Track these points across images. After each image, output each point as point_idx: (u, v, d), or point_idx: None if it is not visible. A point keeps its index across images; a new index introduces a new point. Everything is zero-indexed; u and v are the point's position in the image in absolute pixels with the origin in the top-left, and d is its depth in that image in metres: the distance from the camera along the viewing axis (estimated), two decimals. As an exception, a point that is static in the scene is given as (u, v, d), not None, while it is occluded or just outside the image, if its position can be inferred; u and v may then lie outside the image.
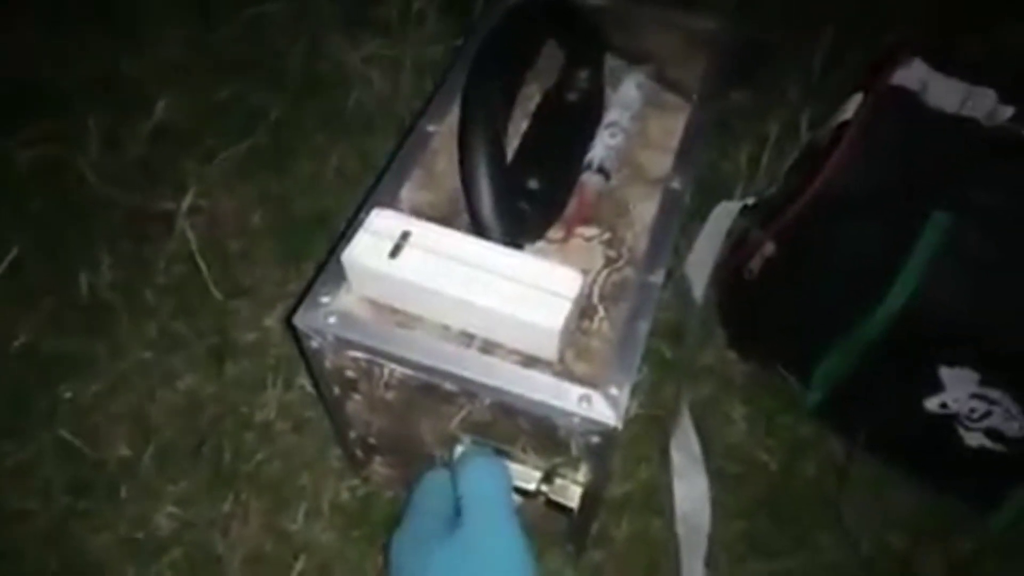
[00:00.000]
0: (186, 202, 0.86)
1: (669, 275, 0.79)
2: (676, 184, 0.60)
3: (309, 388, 0.75)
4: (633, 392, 0.50)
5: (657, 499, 0.71)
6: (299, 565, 0.67)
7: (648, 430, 0.75)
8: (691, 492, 0.71)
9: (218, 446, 0.73)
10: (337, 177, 0.91)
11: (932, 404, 0.66)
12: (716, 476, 0.72)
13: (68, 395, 0.75)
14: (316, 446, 0.73)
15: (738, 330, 0.78)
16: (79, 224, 0.86)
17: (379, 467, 0.68)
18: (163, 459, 0.72)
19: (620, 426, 0.49)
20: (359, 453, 0.66)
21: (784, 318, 0.71)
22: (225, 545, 0.68)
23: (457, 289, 0.49)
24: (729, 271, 0.76)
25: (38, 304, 0.80)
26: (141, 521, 0.69)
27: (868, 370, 0.67)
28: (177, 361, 0.78)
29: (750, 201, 0.79)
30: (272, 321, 0.81)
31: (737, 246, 0.77)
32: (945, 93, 0.63)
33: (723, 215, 0.79)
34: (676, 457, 0.73)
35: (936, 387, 0.65)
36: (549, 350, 0.50)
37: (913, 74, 0.65)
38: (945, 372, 0.64)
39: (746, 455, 0.74)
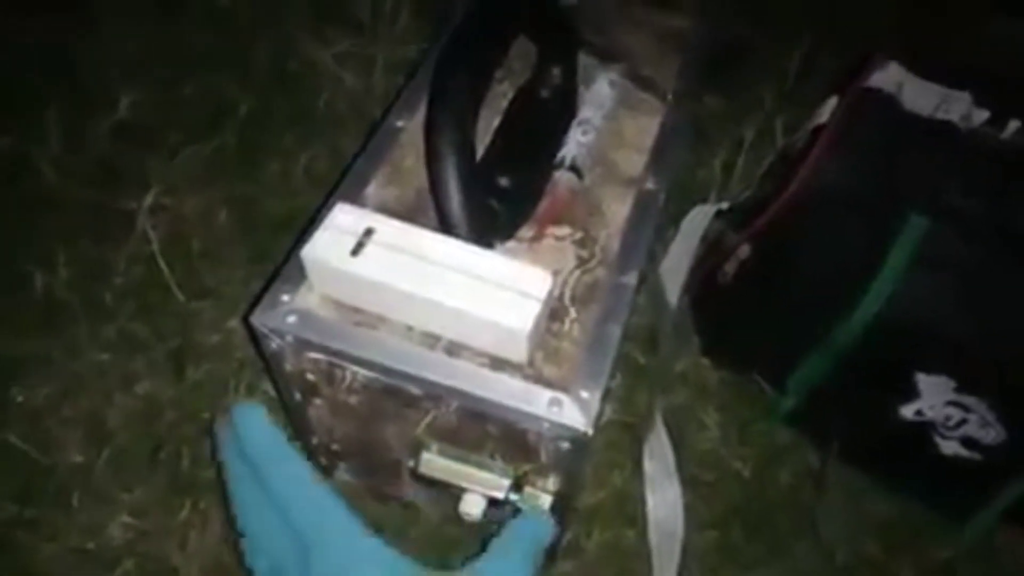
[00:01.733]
0: (148, 200, 0.83)
1: (643, 279, 0.78)
2: (650, 184, 0.58)
3: (273, 393, 0.73)
4: (605, 398, 0.49)
5: (629, 508, 0.69)
6: (258, 576, 0.65)
7: (621, 437, 0.73)
8: (664, 500, 0.69)
9: (176, 452, 0.70)
10: (306, 177, 0.89)
11: (908, 411, 0.65)
12: (689, 484, 0.70)
13: (19, 398, 0.72)
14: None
15: (712, 335, 0.76)
16: (36, 222, 0.83)
17: (344, 475, 0.66)
18: (118, 465, 0.69)
19: (591, 432, 0.47)
20: (323, 460, 0.64)
21: (758, 322, 0.70)
22: (182, 556, 0.65)
23: (421, 288, 0.47)
24: (704, 275, 0.75)
25: (-9, 304, 0.78)
26: (93, 530, 0.66)
27: (843, 377, 0.66)
28: (136, 364, 0.75)
29: (724, 205, 0.78)
30: (236, 323, 0.78)
31: (712, 250, 0.75)
32: (921, 96, 0.63)
33: (698, 219, 0.78)
34: (649, 465, 0.71)
35: (912, 394, 0.64)
36: (518, 352, 0.48)
37: (889, 77, 0.64)
38: (922, 379, 0.63)
39: (720, 463, 0.73)
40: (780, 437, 0.74)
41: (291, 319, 0.50)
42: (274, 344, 0.51)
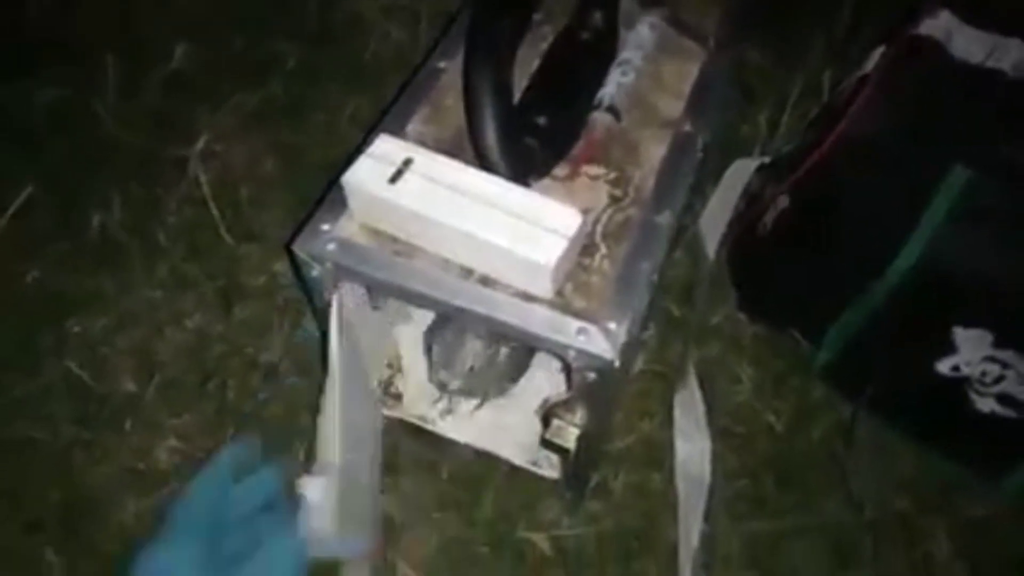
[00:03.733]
0: (199, 147, 0.86)
1: (683, 231, 0.78)
2: (688, 127, 0.58)
3: (315, 332, 0.75)
4: (634, 331, 0.49)
5: (658, 454, 0.70)
6: (297, 500, 0.68)
7: (652, 387, 0.74)
8: (692, 449, 0.70)
9: (222, 384, 0.73)
10: (351, 127, 0.91)
11: (944, 367, 0.64)
12: (721, 435, 0.71)
13: (76, 329, 0.76)
14: (318, 389, 0.73)
15: (749, 288, 0.76)
16: (93, 166, 0.87)
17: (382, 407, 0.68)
18: (167, 394, 0.72)
19: (618, 362, 0.48)
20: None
21: (796, 274, 0.70)
22: (225, 480, 0.69)
23: (453, 219, 0.48)
24: (743, 227, 0.75)
25: (50, 242, 0.81)
26: (143, 453, 0.70)
27: (880, 330, 0.66)
28: (186, 301, 0.78)
29: (767, 159, 0.77)
30: (281, 266, 0.81)
31: (752, 201, 0.75)
32: (971, 43, 0.61)
33: (739, 172, 0.78)
34: (679, 414, 0.72)
35: (949, 348, 0.63)
36: (543, 286, 0.49)
37: (939, 24, 0.63)
38: (959, 333, 0.62)
39: (752, 415, 0.73)
40: (814, 392, 0.74)
41: (331, 246, 0.51)
42: (314, 271, 0.53)
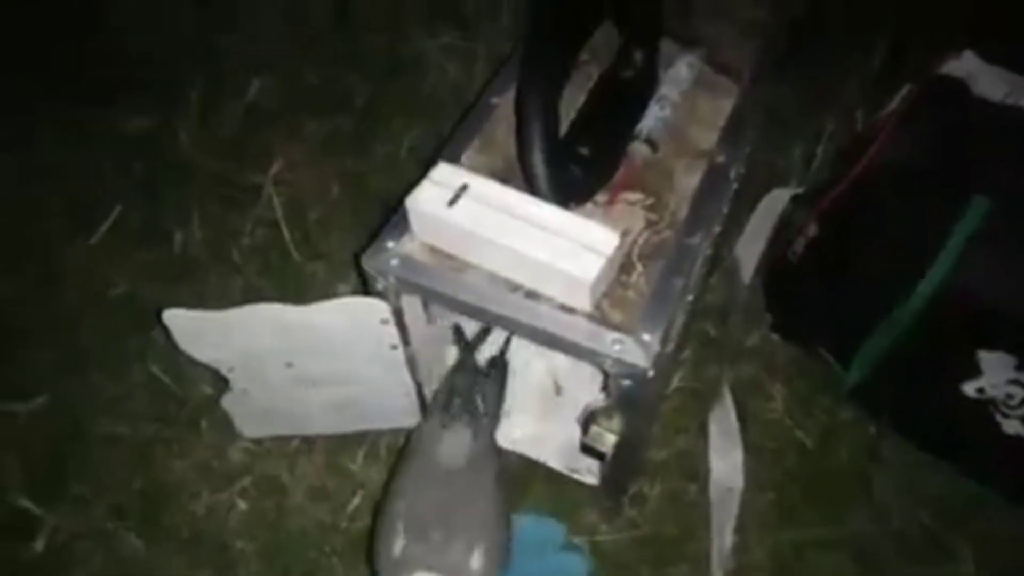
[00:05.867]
0: (272, 173, 0.94)
1: (719, 260, 0.82)
2: (721, 157, 0.63)
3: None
4: (673, 358, 0.54)
5: (692, 465, 0.74)
6: (356, 500, 0.73)
7: (689, 403, 0.78)
8: (726, 462, 0.74)
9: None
10: (410, 156, 0.98)
11: (970, 389, 0.67)
12: (752, 450, 0.75)
13: (160, 340, 0.83)
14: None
15: (782, 312, 0.80)
16: (176, 188, 0.95)
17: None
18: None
19: (651, 371, 0.53)
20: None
21: (825, 299, 0.73)
22: (291, 477, 0.75)
23: (504, 238, 0.54)
24: (775, 254, 0.79)
25: (136, 256, 0.90)
26: (217, 452, 0.77)
27: (906, 353, 0.69)
28: (258, 314, 0.85)
29: (800, 190, 0.82)
30: (345, 286, 0.87)
31: (782, 229, 0.79)
32: (992, 83, 0.65)
33: (774, 202, 0.82)
34: (714, 430, 0.76)
35: (974, 371, 0.66)
36: (582, 300, 0.54)
37: (963, 65, 0.67)
38: (983, 356, 0.65)
39: (783, 433, 0.77)
40: (843, 412, 0.77)
41: (394, 262, 0.57)
42: (379, 285, 0.59)
